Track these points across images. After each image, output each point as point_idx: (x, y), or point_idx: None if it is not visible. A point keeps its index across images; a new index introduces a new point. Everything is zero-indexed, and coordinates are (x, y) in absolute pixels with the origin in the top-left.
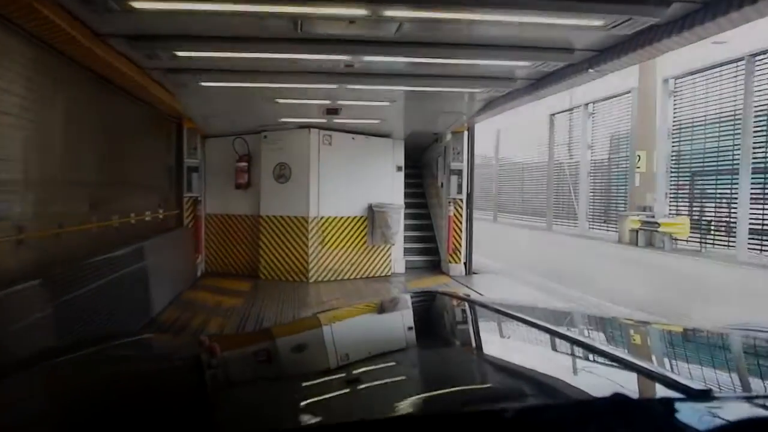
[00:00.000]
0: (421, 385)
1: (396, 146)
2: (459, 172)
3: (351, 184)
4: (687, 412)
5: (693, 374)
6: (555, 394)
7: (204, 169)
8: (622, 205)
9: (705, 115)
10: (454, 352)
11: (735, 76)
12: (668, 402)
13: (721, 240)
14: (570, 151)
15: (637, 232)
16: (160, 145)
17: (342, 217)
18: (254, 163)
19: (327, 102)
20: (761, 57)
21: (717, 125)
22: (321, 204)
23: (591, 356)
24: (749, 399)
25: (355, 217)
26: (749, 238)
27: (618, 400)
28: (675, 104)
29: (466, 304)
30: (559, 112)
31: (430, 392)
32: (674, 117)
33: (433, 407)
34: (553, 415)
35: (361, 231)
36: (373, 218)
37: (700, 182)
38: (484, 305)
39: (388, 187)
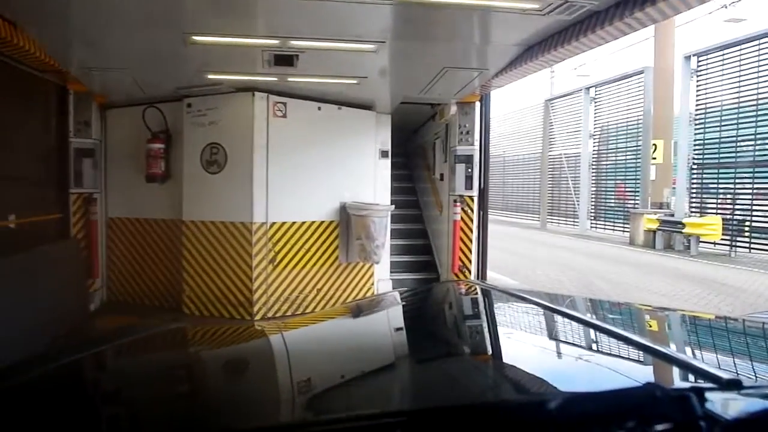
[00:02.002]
0: (437, 376)
1: (381, 123)
2: (468, 160)
3: (316, 175)
4: (717, 402)
5: (722, 364)
6: (581, 384)
7: (103, 154)
8: (631, 202)
9: (738, 97)
10: (470, 343)
11: None
12: (698, 392)
13: (760, 243)
14: (569, 141)
15: (654, 232)
16: (25, 118)
17: (302, 223)
18: (174, 145)
19: (274, 43)
20: None
21: (754, 108)
22: (271, 204)
23: (618, 345)
24: None
25: (322, 223)
26: None
27: (648, 390)
28: (699, 85)
29: (480, 290)
30: (555, 98)
31: (445, 383)
32: (698, 100)
33: (449, 398)
34: (582, 406)
35: (331, 243)
36: (348, 224)
37: (731, 175)
38: (508, 294)
39: (370, 180)
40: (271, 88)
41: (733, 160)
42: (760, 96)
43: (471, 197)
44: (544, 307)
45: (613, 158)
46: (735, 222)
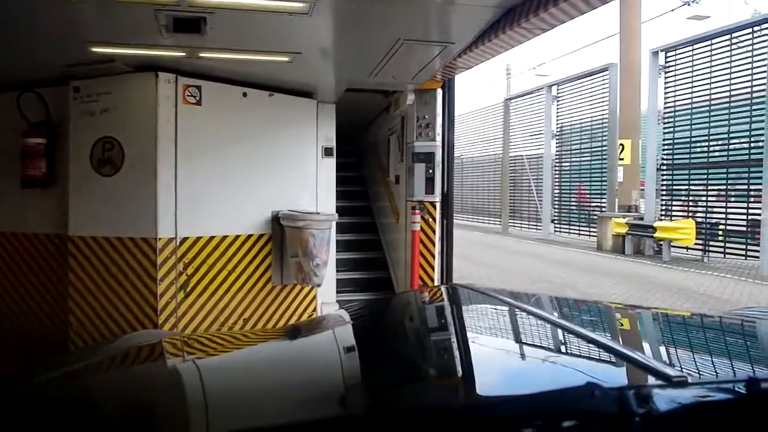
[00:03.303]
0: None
1: (324, 114)
2: (429, 158)
3: (242, 177)
4: (662, 397)
5: (675, 362)
6: (532, 382)
7: None
8: (595, 205)
9: (710, 94)
10: (434, 345)
11: (752, 44)
12: (640, 388)
13: (735, 248)
14: (531, 141)
15: (623, 237)
16: None
17: (224, 238)
18: (60, 140)
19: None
20: None
21: (726, 105)
22: (182, 215)
23: (574, 342)
24: (724, 384)
25: (249, 238)
26: None
27: (588, 388)
28: (667, 82)
29: (446, 296)
30: (516, 97)
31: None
32: (666, 98)
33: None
34: (529, 405)
35: (261, 261)
36: (282, 238)
37: (703, 176)
38: (481, 293)
39: (310, 184)
40: (180, 67)
41: (705, 160)
42: (733, 92)
43: (432, 203)
44: (510, 305)
45: (578, 159)
46: (708, 226)
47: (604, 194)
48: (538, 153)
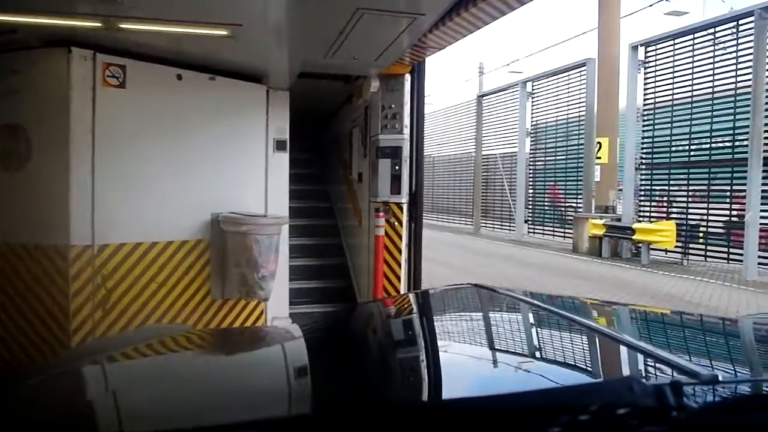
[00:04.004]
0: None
1: (276, 103)
2: (395, 153)
3: (175, 174)
4: (694, 395)
5: (703, 361)
6: (567, 377)
7: None
8: (568, 205)
9: (691, 91)
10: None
11: (736, 39)
12: (676, 385)
13: (717, 251)
14: (505, 139)
15: (600, 239)
16: None
17: (153, 245)
18: None
19: None
20: None
21: (709, 103)
22: (101, 217)
23: (604, 342)
24: (753, 383)
25: (184, 244)
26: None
27: (628, 383)
28: (647, 78)
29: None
30: (489, 93)
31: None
32: (646, 94)
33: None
34: (563, 399)
35: (199, 272)
36: (224, 245)
37: (684, 176)
38: (506, 294)
39: (259, 182)
40: (100, 42)
41: (686, 159)
42: (716, 89)
43: (399, 204)
44: (538, 308)
45: (553, 158)
46: (688, 228)
47: (580, 194)
48: (512, 151)
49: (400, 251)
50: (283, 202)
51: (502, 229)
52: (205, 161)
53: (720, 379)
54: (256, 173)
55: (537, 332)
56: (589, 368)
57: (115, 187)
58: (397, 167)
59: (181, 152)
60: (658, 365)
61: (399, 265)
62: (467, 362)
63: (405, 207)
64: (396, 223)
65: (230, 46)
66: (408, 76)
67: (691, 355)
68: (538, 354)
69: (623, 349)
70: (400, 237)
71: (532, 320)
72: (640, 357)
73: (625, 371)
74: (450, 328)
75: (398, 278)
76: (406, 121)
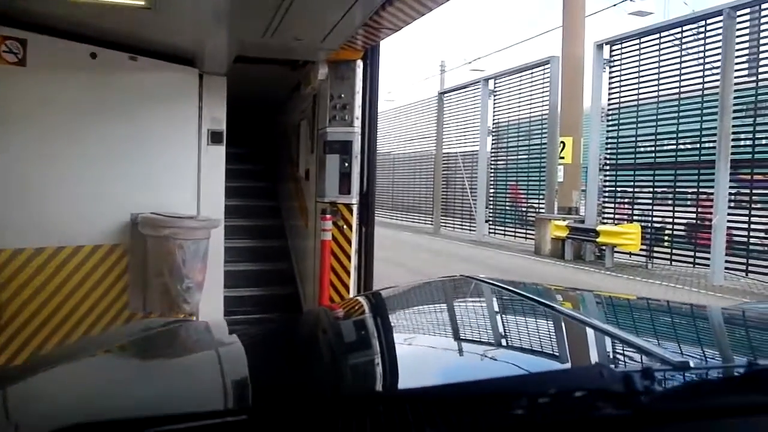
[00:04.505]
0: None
1: (211, 89)
2: (345, 148)
3: (86, 168)
4: (666, 381)
5: (674, 347)
6: (537, 364)
7: None
8: (528, 206)
9: (657, 90)
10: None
11: (703, 38)
12: (649, 372)
13: (683, 255)
14: (466, 137)
15: (563, 241)
16: None
17: (58, 250)
18: None
19: None
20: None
21: (675, 102)
22: None
23: (576, 328)
24: (723, 369)
25: (96, 250)
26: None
27: (600, 370)
28: (612, 77)
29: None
30: (450, 90)
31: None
32: (611, 93)
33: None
34: (537, 385)
35: (114, 282)
36: (144, 249)
37: (649, 178)
38: (495, 285)
39: (189, 179)
40: None
41: (651, 160)
42: (683, 89)
43: (348, 206)
44: (519, 296)
45: (515, 157)
46: (653, 230)
47: (543, 194)
48: (473, 150)
49: (349, 258)
50: (218, 202)
51: (462, 228)
52: (125, 154)
53: (691, 365)
54: (186, 168)
55: (510, 320)
56: (558, 354)
57: (12, 182)
58: (346, 164)
59: (94, 143)
60: (629, 351)
61: (348, 273)
62: (436, 352)
63: (355, 209)
64: (345, 227)
65: (152, 20)
66: (360, 63)
67: (661, 342)
68: (507, 341)
69: (595, 335)
70: (350, 242)
71: (507, 308)
72: (612, 343)
73: (597, 357)
74: (426, 319)
75: (347, 288)
76: (358, 112)
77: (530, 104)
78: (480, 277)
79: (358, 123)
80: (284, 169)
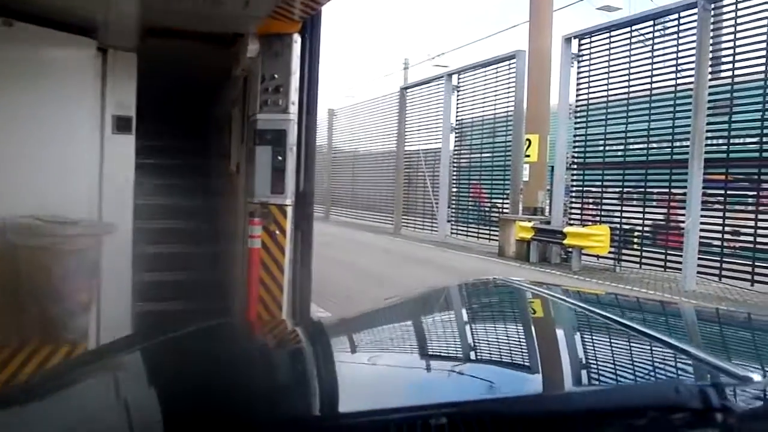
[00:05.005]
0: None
1: (116, 66)
2: (277, 139)
3: None
4: (733, 395)
5: (741, 361)
6: (604, 380)
7: None
8: (500, 205)
9: (628, 86)
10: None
11: (676, 31)
12: (716, 386)
13: (653, 259)
14: (428, 135)
15: (528, 243)
16: None
17: None
18: None
19: None
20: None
21: (647, 98)
22: None
23: (641, 342)
24: None
25: None
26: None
27: (669, 384)
28: (580, 72)
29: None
30: (413, 86)
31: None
32: (579, 89)
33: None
34: (608, 400)
35: None
36: (15, 264)
37: (619, 177)
38: (545, 293)
39: (87, 174)
40: None
41: (621, 159)
42: (655, 85)
43: (282, 207)
44: (575, 306)
45: (479, 155)
46: (622, 232)
47: (508, 194)
48: (435, 147)
49: (282, 270)
50: (125, 201)
51: (423, 228)
52: None
53: (755, 379)
54: (82, 161)
55: (571, 333)
56: (628, 369)
57: None
58: (279, 158)
59: None
60: (686, 362)
61: (280, 288)
62: (484, 367)
63: (290, 211)
64: (277, 233)
65: None
66: (297, 37)
67: (729, 356)
68: (574, 356)
69: (662, 349)
70: (283, 251)
71: (562, 319)
72: (678, 357)
73: (667, 373)
74: (468, 328)
75: (279, 305)
76: (294, 96)
77: (495, 101)
78: (513, 279)
79: (294, 109)
80: (218, 164)
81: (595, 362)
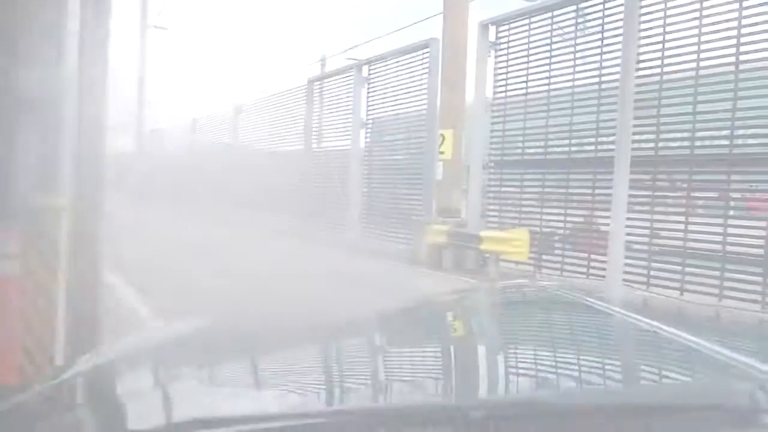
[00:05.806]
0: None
1: None
2: (41, 106)
3: None
4: None
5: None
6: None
7: None
8: (414, 207)
9: (549, 78)
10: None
11: (602, 18)
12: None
13: (575, 264)
14: (338, 131)
15: (441, 248)
16: None
17: None
18: None
19: None
20: None
21: (569, 92)
22: None
23: (680, 345)
24: None
25: None
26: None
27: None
28: (498, 62)
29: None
30: (321, 78)
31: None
32: (497, 81)
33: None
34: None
35: None
36: None
37: (539, 177)
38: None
39: None
40: None
41: (542, 157)
42: (578, 76)
43: (52, 210)
44: (613, 313)
45: (391, 153)
46: (542, 236)
47: (421, 195)
48: (345, 145)
49: (51, 300)
50: None
51: (337, 232)
52: None
53: None
54: None
55: (598, 334)
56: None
57: None
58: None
59: None
60: (738, 369)
61: (50, 327)
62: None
63: (66, 216)
64: (44, 250)
65: None
66: None
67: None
68: (608, 362)
69: (706, 355)
70: (54, 274)
71: (607, 327)
72: (721, 362)
73: (713, 376)
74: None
75: (46, 353)
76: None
77: (409, 94)
78: (544, 283)
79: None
80: None
81: (634, 362)
